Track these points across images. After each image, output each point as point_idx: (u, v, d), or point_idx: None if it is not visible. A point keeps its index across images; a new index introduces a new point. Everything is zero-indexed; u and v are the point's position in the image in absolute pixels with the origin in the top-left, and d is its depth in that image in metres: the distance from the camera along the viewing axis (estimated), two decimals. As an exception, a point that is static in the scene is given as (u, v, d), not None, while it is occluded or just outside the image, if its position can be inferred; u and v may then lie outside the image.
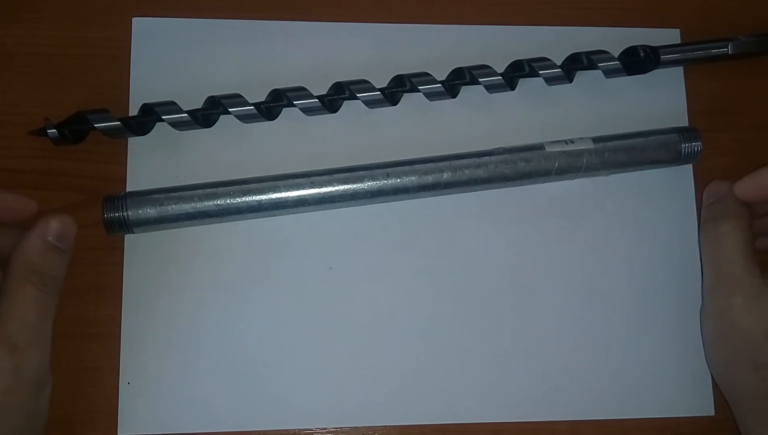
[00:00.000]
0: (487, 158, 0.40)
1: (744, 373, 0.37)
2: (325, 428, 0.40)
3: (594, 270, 0.42)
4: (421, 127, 0.43)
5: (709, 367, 0.41)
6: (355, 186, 0.39)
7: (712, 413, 0.41)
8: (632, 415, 0.41)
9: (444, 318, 0.41)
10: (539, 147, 0.41)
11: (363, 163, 0.40)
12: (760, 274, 0.38)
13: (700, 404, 0.41)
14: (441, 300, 0.41)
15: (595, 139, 0.41)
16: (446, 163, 0.40)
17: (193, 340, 0.40)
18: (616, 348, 0.42)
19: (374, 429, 0.40)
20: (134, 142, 0.41)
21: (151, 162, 0.41)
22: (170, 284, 0.40)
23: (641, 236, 0.43)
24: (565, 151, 0.40)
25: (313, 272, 0.41)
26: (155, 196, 0.38)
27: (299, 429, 0.40)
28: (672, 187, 0.43)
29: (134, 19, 0.42)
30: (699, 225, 0.42)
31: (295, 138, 0.42)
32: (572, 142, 0.41)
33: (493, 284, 0.42)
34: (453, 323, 0.41)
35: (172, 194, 0.38)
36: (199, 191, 0.38)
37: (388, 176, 0.39)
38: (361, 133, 0.42)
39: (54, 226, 0.34)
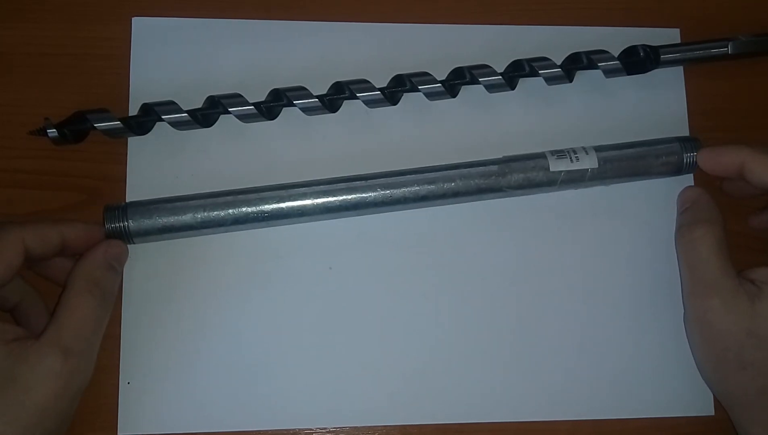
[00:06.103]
0: (489, 168, 0.40)
1: (733, 375, 0.37)
2: (325, 428, 0.40)
3: (594, 271, 0.42)
4: (421, 127, 0.43)
5: (700, 374, 0.40)
6: (358, 196, 0.39)
7: (712, 413, 0.41)
8: (632, 414, 0.41)
9: (444, 318, 0.41)
10: (542, 157, 0.40)
11: (365, 173, 0.40)
12: (735, 275, 0.38)
13: (700, 404, 0.41)
14: (441, 300, 0.41)
15: (598, 149, 0.40)
16: (456, 172, 0.39)
17: (193, 339, 0.40)
18: (616, 348, 0.42)
19: (374, 429, 0.40)
20: (134, 142, 0.41)
21: (151, 162, 0.41)
22: (170, 283, 0.40)
23: (641, 239, 0.43)
24: (569, 171, 0.40)
25: (313, 273, 0.41)
26: (156, 206, 0.38)
27: (299, 429, 0.40)
28: (673, 192, 0.43)
29: (134, 19, 0.42)
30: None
31: (295, 138, 0.42)
32: (576, 157, 0.40)
33: (493, 285, 0.42)
34: (453, 323, 0.41)
35: (172, 205, 0.38)
36: (200, 201, 0.38)
37: (391, 189, 0.39)
38: (361, 132, 0.42)
39: (114, 247, 0.36)
